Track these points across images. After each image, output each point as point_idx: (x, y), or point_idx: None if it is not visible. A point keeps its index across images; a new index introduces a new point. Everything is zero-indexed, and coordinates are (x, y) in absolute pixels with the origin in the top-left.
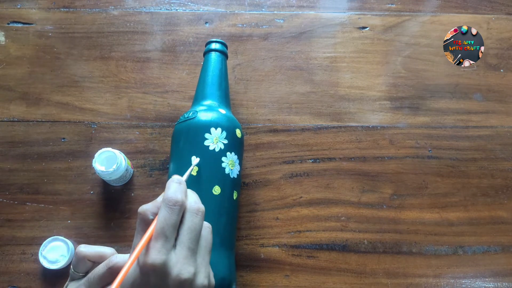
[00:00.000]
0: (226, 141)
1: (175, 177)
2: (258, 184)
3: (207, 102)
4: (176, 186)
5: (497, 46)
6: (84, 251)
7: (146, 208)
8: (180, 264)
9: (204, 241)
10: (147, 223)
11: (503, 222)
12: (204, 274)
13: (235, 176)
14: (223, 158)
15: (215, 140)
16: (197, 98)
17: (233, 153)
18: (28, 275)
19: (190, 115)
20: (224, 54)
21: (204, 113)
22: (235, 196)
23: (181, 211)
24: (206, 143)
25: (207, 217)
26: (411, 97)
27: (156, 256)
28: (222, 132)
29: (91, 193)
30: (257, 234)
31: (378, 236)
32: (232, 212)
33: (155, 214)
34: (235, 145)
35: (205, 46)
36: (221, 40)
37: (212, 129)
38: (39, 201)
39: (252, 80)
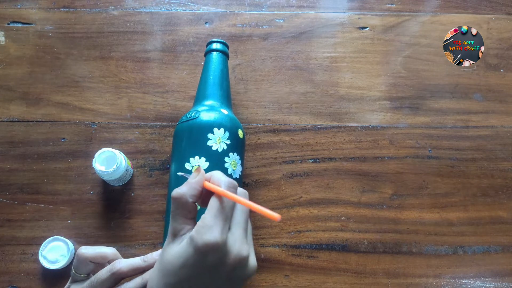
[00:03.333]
0: (228, 142)
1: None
2: (258, 184)
3: (209, 102)
4: (221, 173)
5: (497, 46)
6: (85, 253)
7: (182, 192)
8: (238, 242)
9: (250, 228)
10: (186, 207)
11: (503, 222)
12: (254, 254)
13: (237, 177)
14: (226, 159)
15: (218, 140)
16: (199, 98)
17: (235, 153)
18: (28, 275)
19: (192, 115)
20: (225, 54)
21: (207, 113)
22: None
23: (236, 192)
24: (209, 143)
25: None
26: (411, 97)
27: (218, 235)
28: (225, 132)
29: (91, 193)
30: (257, 234)
31: (378, 236)
32: None
33: (195, 197)
34: (237, 145)
35: (206, 46)
36: (222, 40)
37: (215, 129)
38: (39, 201)
39: (252, 80)
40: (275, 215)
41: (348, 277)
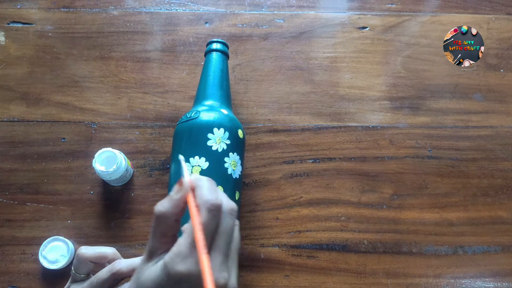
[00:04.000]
0: (228, 142)
1: (201, 177)
2: (258, 184)
3: (209, 102)
4: (209, 185)
5: (497, 46)
6: (85, 253)
7: (165, 210)
8: (216, 272)
9: (235, 241)
10: (167, 225)
11: (503, 222)
12: (235, 276)
13: (237, 177)
14: (226, 159)
15: (218, 140)
16: (199, 98)
17: (235, 153)
18: (28, 275)
19: (192, 115)
20: (225, 54)
21: (207, 113)
22: (237, 196)
23: (220, 214)
24: (209, 143)
25: None
26: (411, 97)
27: (192, 266)
28: (225, 132)
29: (91, 193)
30: (257, 234)
31: (378, 236)
32: None
33: (177, 215)
34: (237, 145)
35: (206, 46)
36: (222, 40)
37: (215, 129)
38: (39, 201)
39: (252, 80)
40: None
41: (348, 277)
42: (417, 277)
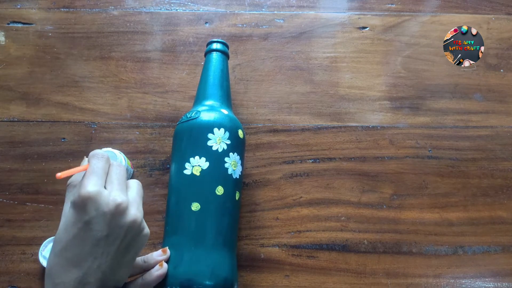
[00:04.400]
0: (229, 142)
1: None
2: (258, 184)
3: (209, 102)
4: (98, 150)
5: (497, 46)
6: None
7: (73, 178)
8: (113, 192)
9: (136, 188)
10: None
11: (503, 222)
12: (137, 207)
13: (238, 177)
14: (226, 159)
15: (218, 140)
16: (199, 98)
17: (235, 153)
18: (28, 275)
19: (192, 115)
20: (225, 54)
21: (207, 113)
22: (237, 196)
23: (108, 163)
24: (209, 143)
25: (210, 217)
26: (411, 97)
27: (91, 187)
28: (225, 132)
29: None
30: (257, 234)
31: (378, 236)
32: (234, 212)
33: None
34: (237, 145)
35: (206, 46)
36: (222, 40)
37: (215, 129)
38: (39, 201)
39: (252, 80)
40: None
41: (348, 277)
42: (417, 277)
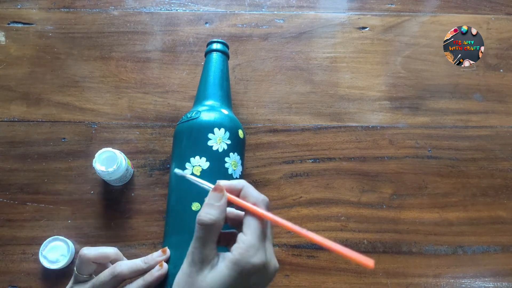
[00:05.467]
0: (229, 142)
1: (237, 180)
2: (258, 184)
3: (209, 102)
4: (252, 187)
5: (497, 46)
6: (87, 254)
7: (215, 217)
8: (274, 258)
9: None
10: (217, 232)
11: (503, 222)
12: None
13: (238, 177)
14: (226, 159)
15: (218, 140)
16: (199, 98)
17: (235, 153)
18: (28, 275)
19: (193, 115)
20: (225, 54)
21: (207, 113)
22: None
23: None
24: (209, 143)
25: None
26: (411, 97)
27: (264, 256)
28: (225, 132)
29: (92, 193)
30: None
31: (378, 236)
32: None
33: (224, 220)
34: (237, 145)
35: (206, 46)
36: (222, 40)
37: (216, 129)
38: (40, 201)
39: (252, 80)
40: (368, 262)
41: (348, 277)
42: (417, 277)
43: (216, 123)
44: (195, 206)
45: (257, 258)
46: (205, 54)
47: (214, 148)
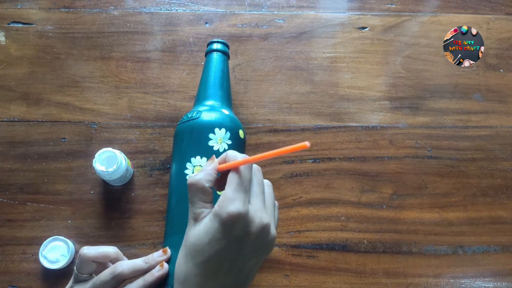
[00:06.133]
0: (230, 142)
1: (229, 151)
2: None
3: (210, 102)
4: (235, 151)
5: (497, 46)
6: (87, 253)
7: (198, 177)
8: (259, 212)
9: (270, 196)
10: (203, 191)
11: (503, 222)
12: (275, 224)
13: None
14: None
15: (219, 140)
16: (199, 98)
17: None
18: (28, 275)
19: (193, 115)
20: (225, 54)
21: (208, 113)
22: None
23: (251, 169)
24: (210, 143)
25: None
26: (411, 97)
27: (241, 206)
28: (226, 132)
29: (92, 193)
30: None
31: (378, 236)
32: None
33: (211, 182)
34: (238, 145)
35: (207, 46)
36: (222, 40)
37: (216, 130)
38: (40, 201)
39: (252, 80)
40: (304, 143)
41: (348, 277)
42: (417, 277)
43: (217, 123)
44: None
45: (232, 207)
46: (205, 54)
47: (215, 148)
